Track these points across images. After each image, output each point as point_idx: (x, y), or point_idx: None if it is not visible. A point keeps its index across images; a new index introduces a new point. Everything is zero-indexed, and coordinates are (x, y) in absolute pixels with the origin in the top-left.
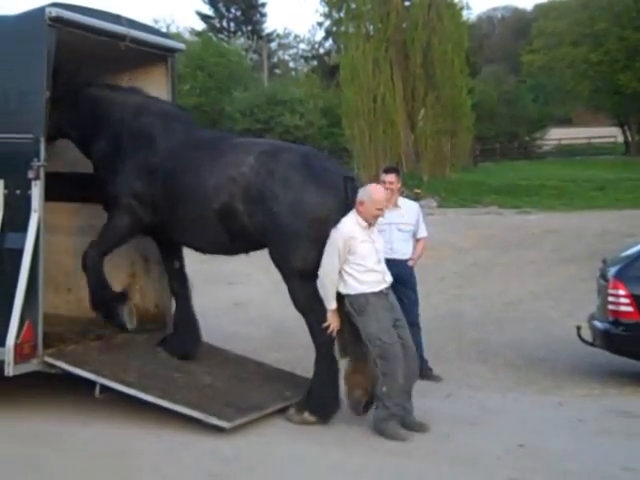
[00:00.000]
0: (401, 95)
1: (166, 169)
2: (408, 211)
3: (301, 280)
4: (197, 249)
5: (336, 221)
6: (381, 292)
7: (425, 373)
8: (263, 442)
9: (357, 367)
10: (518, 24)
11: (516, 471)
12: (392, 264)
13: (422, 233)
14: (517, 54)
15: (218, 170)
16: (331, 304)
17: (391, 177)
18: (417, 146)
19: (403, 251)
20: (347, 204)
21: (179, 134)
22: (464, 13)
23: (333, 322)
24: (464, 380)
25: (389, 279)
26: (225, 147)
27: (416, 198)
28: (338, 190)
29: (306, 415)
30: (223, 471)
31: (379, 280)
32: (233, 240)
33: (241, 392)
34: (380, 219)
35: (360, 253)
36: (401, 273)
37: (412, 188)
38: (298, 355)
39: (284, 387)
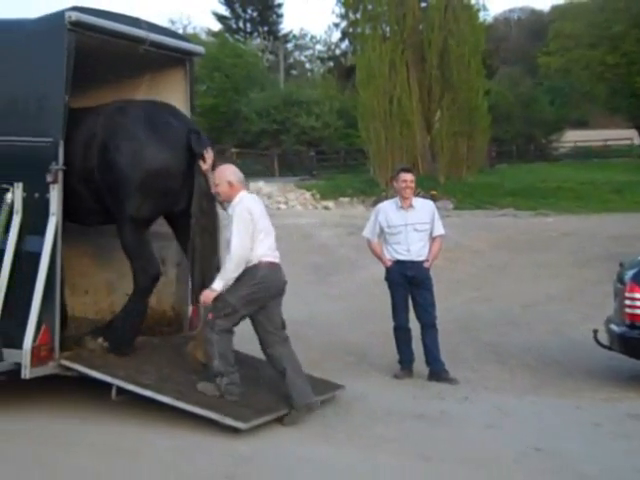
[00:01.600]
0: (417, 97)
1: None
2: (423, 210)
3: (132, 226)
4: (79, 223)
5: (179, 174)
6: None
7: (442, 376)
8: (279, 443)
9: None
10: (535, 26)
11: (533, 474)
12: (409, 265)
13: (438, 231)
14: (533, 56)
15: (76, 141)
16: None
17: (410, 176)
18: (433, 148)
19: (420, 252)
20: (192, 157)
21: None
22: (480, 15)
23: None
24: (480, 382)
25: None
26: (80, 116)
27: (432, 200)
28: (180, 144)
29: (100, 341)
30: (239, 472)
31: None
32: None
33: (257, 393)
34: (396, 220)
35: None
36: (417, 275)
37: (428, 190)
38: (313, 358)
39: None
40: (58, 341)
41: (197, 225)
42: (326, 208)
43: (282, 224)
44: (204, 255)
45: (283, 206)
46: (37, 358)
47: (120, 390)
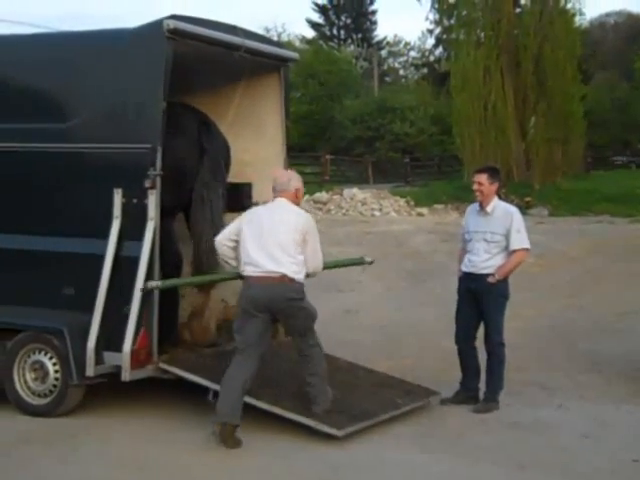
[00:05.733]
0: (512, 103)
1: None
2: (500, 219)
3: None
4: None
5: (190, 165)
6: None
7: (478, 404)
8: (374, 449)
9: None
10: (632, 30)
11: None
12: (472, 278)
13: (516, 244)
14: (631, 60)
15: None
16: None
17: (483, 177)
18: (528, 154)
19: (482, 265)
20: (202, 148)
21: None
22: (576, 19)
23: None
24: (576, 390)
25: None
26: None
27: (527, 206)
28: (190, 134)
29: None
30: (333, 477)
31: None
32: None
33: (353, 399)
34: (471, 226)
35: None
36: (480, 288)
37: (523, 197)
38: (409, 363)
39: (395, 395)
40: (156, 344)
41: (197, 213)
42: (420, 215)
43: (376, 231)
44: (207, 242)
45: (377, 213)
46: (136, 361)
47: (217, 394)
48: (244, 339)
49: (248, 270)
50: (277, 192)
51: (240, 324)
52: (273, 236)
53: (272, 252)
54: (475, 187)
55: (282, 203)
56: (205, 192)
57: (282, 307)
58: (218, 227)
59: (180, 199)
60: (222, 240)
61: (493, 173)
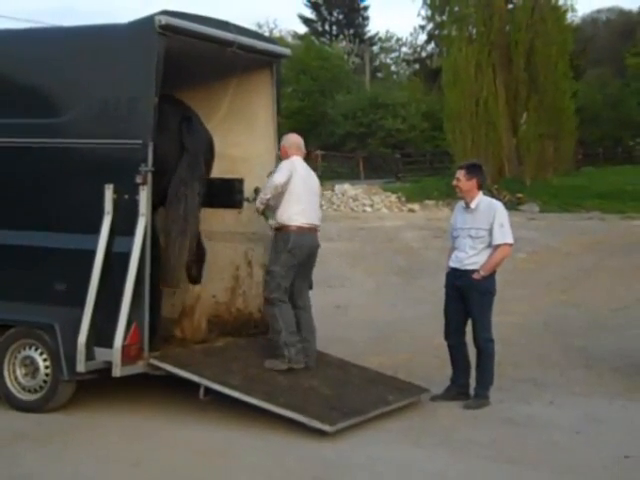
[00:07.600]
0: (503, 99)
1: None
2: (484, 214)
3: None
4: None
5: (172, 161)
6: None
7: (469, 399)
8: (366, 446)
9: None
10: (624, 26)
11: None
12: (458, 275)
13: (499, 239)
14: (622, 57)
15: None
16: None
17: (462, 172)
18: (519, 150)
19: (466, 261)
20: (182, 144)
21: None
22: (568, 16)
23: None
24: (568, 386)
25: None
26: None
27: (518, 202)
28: (171, 131)
29: None
30: (326, 474)
31: None
32: None
33: (344, 396)
34: (458, 223)
35: None
36: (465, 285)
37: (514, 192)
38: (400, 359)
39: (386, 391)
40: (147, 340)
41: (171, 210)
42: (411, 211)
43: (367, 226)
44: (176, 239)
45: (368, 208)
46: (127, 357)
47: (208, 390)
48: (286, 283)
49: (300, 220)
50: (295, 150)
51: (286, 270)
52: (314, 194)
53: (316, 207)
54: (454, 182)
55: (304, 163)
56: (182, 188)
57: (314, 253)
58: (191, 224)
59: (157, 194)
60: (281, 184)
61: (471, 169)
